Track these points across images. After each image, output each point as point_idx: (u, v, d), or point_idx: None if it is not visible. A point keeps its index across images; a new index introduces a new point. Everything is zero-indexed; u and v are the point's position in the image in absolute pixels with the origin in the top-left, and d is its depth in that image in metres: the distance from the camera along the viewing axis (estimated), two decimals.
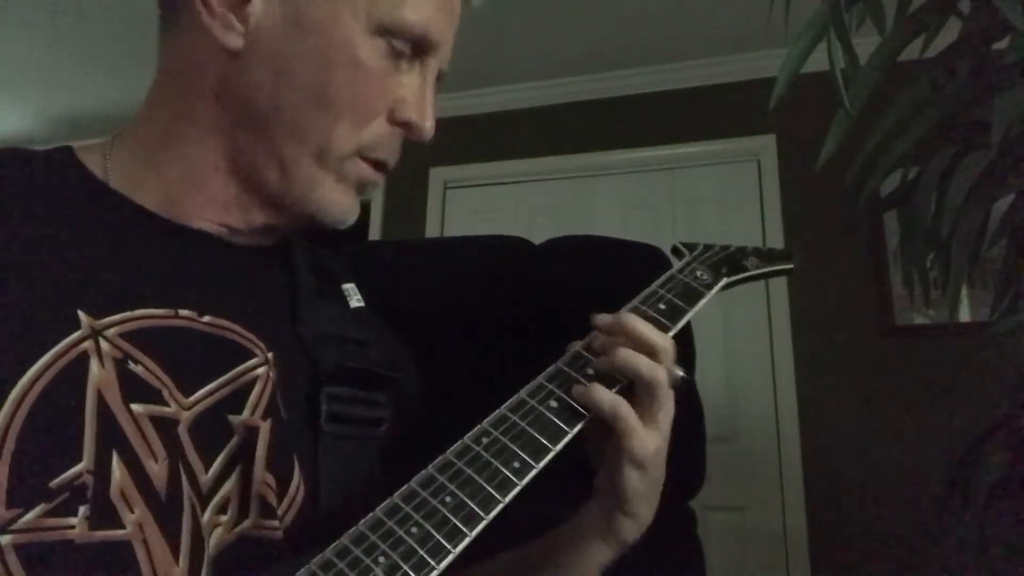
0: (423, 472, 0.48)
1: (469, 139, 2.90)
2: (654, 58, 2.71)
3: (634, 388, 0.53)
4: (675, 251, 0.73)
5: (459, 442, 0.50)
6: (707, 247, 0.73)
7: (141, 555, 0.43)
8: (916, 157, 1.22)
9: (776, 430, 2.37)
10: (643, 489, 0.53)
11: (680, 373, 0.55)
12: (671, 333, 0.59)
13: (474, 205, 2.94)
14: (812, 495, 2.27)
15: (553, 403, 0.52)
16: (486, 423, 0.51)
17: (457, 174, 2.96)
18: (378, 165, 0.57)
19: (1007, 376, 1.31)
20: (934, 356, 2.22)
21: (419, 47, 0.55)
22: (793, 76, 1.14)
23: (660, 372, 0.52)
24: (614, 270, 0.84)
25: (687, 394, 0.80)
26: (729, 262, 0.71)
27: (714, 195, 2.66)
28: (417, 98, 0.56)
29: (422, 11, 0.54)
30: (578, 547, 0.56)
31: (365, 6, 0.52)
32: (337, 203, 0.56)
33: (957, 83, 1.11)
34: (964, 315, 2.21)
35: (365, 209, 2.96)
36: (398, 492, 0.46)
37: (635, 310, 0.59)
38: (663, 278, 0.65)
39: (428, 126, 0.57)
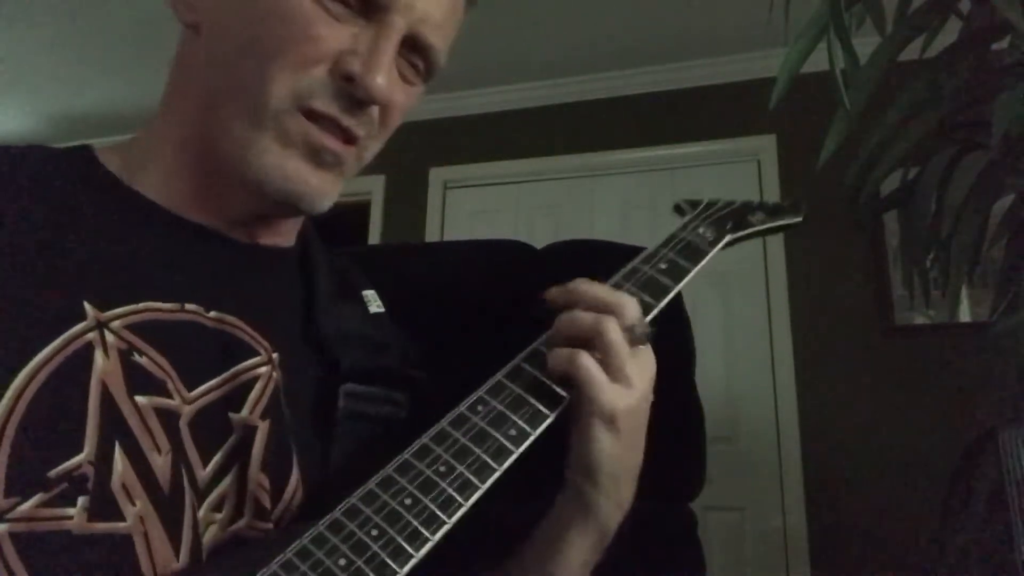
0: (381, 472, 0.46)
1: (469, 139, 2.90)
2: (654, 58, 2.71)
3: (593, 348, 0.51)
4: (677, 209, 0.70)
5: (418, 441, 0.48)
6: (710, 203, 0.70)
7: (141, 548, 0.43)
8: (916, 157, 1.22)
9: (776, 430, 2.37)
10: (613, 452, 0.50)
11: (644, 328, 0.52)
12: (663, 302, 0.57)
13: (474, 205, 2.94)
14: (812, 495, 2.27)
15: (510, 400, 0.50)
16: (445, 422, 0.49)
17: (457, 174, 2.96)
18: (326, 122, 0.51)
19: (1007, 376, 1.31)
20: (934, 356, 2.21)
21: (364, 1, 0.51)
22: (793, 76, 1.14)
23: (606, 322, 0.50)
24: (615, 274, 0.83)
25: (687, 394, 0.80)
26: (734, 218, 0.68)
27: (714, 195, 2.65)
28: (368, 51, 0.51)
29: None
30: (557, 539, 0.53)
31: None
32: (279, 167, 0.51)
33: (957, 83, 1.12)
34: (964, 315, 2.21)
35: (365, 209, 2.97)
36: (356, 492, 0.45)
37: (618, 285, 0.57)
38: (666, 238, 0.63)
39: (377, 82, 0.50)
